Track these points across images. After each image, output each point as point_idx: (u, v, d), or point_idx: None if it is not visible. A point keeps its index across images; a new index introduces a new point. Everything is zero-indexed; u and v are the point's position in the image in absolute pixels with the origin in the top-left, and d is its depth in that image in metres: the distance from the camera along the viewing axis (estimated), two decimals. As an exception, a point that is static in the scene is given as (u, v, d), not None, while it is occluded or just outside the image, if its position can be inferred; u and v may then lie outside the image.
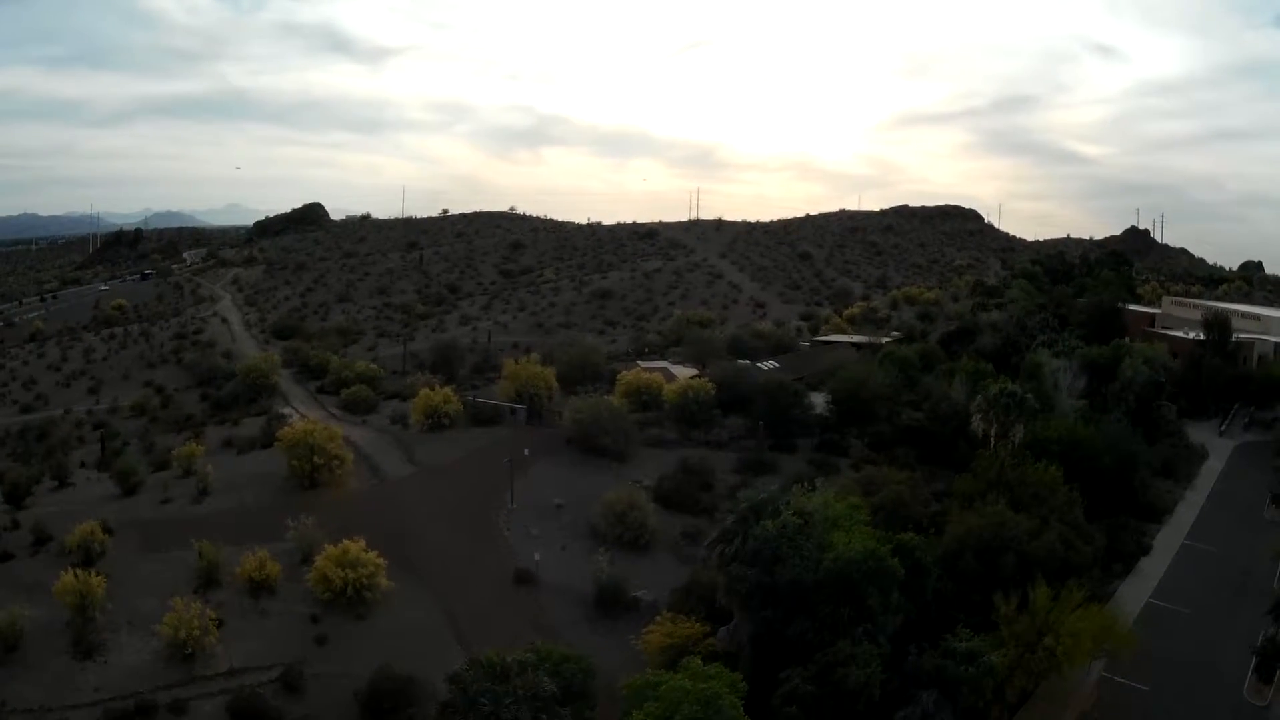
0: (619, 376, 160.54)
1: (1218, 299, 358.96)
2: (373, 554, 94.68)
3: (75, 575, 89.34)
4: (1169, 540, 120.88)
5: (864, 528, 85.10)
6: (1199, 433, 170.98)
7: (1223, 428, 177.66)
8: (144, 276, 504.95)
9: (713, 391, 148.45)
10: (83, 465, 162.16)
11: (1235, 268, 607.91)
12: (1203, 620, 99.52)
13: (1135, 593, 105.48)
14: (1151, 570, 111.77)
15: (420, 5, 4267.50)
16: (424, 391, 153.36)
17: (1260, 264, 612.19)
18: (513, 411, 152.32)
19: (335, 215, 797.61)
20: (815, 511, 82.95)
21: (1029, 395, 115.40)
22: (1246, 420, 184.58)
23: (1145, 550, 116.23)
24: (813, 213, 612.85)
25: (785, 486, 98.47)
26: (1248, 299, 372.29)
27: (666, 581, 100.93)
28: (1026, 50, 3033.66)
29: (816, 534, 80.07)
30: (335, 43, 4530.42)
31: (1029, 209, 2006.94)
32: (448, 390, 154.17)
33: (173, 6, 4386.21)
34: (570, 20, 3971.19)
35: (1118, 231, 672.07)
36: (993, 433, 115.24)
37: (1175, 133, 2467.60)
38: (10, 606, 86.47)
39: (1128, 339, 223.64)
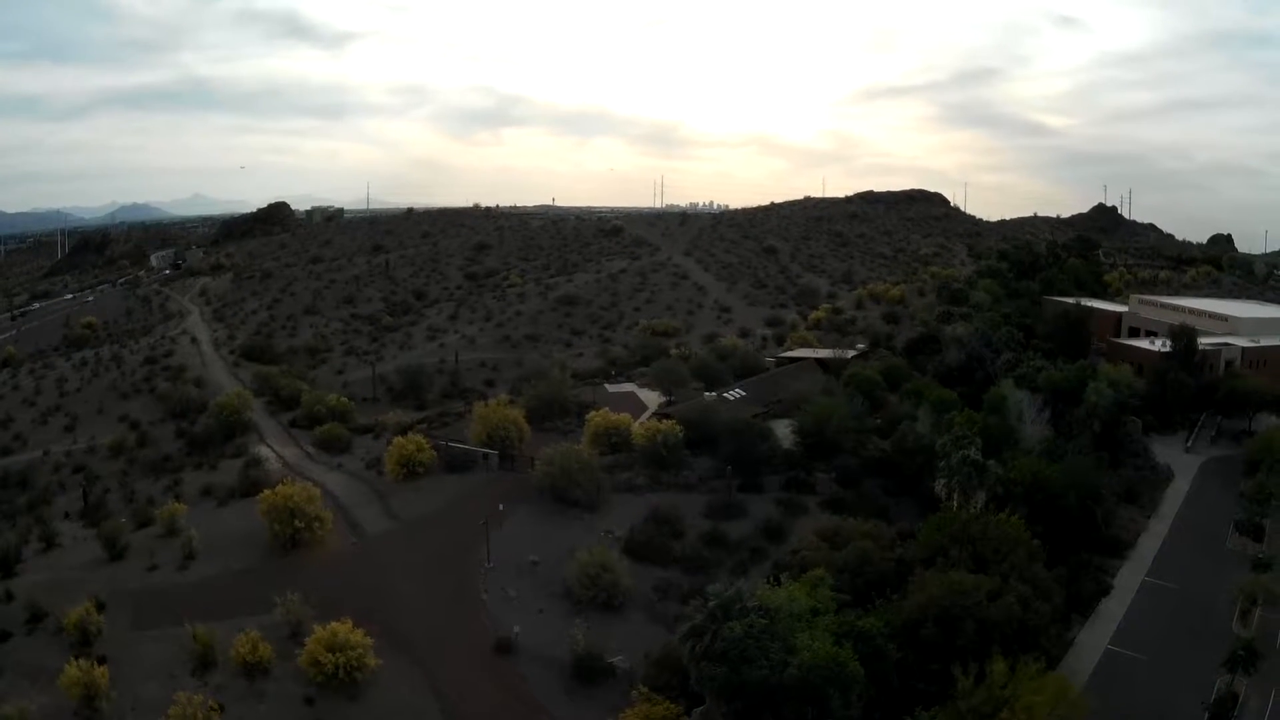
0: (588, 418, 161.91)
1: (1186, 287, 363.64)
2: (359, 633, 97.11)
3: (79, 666, 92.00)
4: (1130, 578, 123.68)
5: (828, 618, 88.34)
6: (1165, 449, 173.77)
7: (1189, 443, 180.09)
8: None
9: (680, 434, 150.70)
10: (66, 516, 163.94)
11: (1204, 241, 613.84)
12: (1160, 667, 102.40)
13: (1094, 639, 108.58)
14: (1112, 612, 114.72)
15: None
16: (398, 440, 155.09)
17: (1229, 237, 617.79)
18: (485, 457, 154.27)
19: (298, 203, 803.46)
20: (780, 608, 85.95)
21: (990, 463, 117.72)
22: (1214, 433, 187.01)
23: (1105, 591, 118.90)
24: (777, 197, 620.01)
25: (750, 583, 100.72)
26: (1216, 286, 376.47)
27: (640, 643, 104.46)
28: (988, 22, 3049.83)
29: (782, 633, 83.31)
30: (295, 28, 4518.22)
31: (992, 181, 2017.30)
32: (420, 438, 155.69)
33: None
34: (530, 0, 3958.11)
35: (1084, 204, 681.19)
36: (955, 498, 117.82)
37: (1139, 103, 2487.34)
38: (19, 701, 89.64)
39: (1093, 341, 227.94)
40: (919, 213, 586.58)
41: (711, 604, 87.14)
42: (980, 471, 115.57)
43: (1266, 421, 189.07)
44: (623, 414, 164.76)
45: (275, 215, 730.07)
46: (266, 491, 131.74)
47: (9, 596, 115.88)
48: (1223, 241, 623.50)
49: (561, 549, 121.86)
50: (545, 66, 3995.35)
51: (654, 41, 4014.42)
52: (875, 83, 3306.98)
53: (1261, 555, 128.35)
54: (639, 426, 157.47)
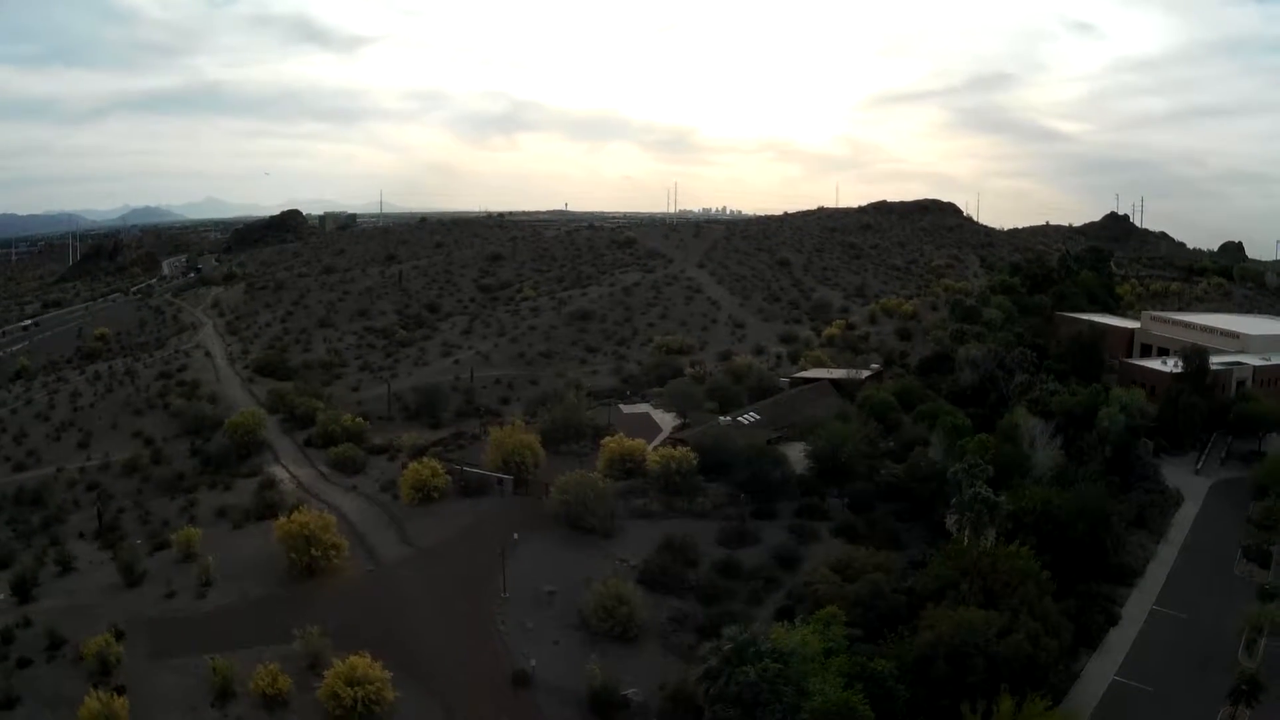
0: (603, 444, 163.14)
1: (1197, 300, 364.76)
2: (378, 666, 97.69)
3: (98, 697, 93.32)
4: (1138, 608, 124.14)
5: (840, 660, 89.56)
6: (1175, 471, 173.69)
7: (1199, 465, 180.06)
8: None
9: (694, 461, 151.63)
10: (81, 536, 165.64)
11: (1216, 249, 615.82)
12: (1165, 699, 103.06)
13: (1102, 670, 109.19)
14: (1119, 643, 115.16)
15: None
16: (413, 465, 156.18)
17: (1240, 245, 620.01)
18: (500, 482, 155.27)
19: (311, 208, 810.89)
20: (793, 652, 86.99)
21: (1002, 499, 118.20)
22: (1224, 454, 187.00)
23: (1114, 621, 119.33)
24: (790, 203, 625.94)
25: (765, 620, 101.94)
26: (1227, 298, 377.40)
27: (655, 675, 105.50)
28: (1004, 28, 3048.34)
29: (794, 677, 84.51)
30: (309, 32, 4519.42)
31: (1006, 187, 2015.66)
32: (435, 463, 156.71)
33: (146, 1, 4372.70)
34: (544, 4, 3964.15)
35: (1096, 210, 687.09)
36: (966, 534, 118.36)
37: (1153, 109, 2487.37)
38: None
39: (1105, 358, 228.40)
40: (932, 223, 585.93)
41: (726, 647, 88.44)
42: (992, 509, 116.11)
43: (1277, 443, 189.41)
44: (637, 439, 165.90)
45: (288, 222, 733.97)
46: (282, 519, 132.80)
47: (27, 622, 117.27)
48: (1234, 250, 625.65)
49: (577, 578, 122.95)
50: (559, 71, 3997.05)
51: (667, 46, 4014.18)
52: (889, 88, 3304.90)
53: (1268, 584, 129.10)
54: (653, 453, 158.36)
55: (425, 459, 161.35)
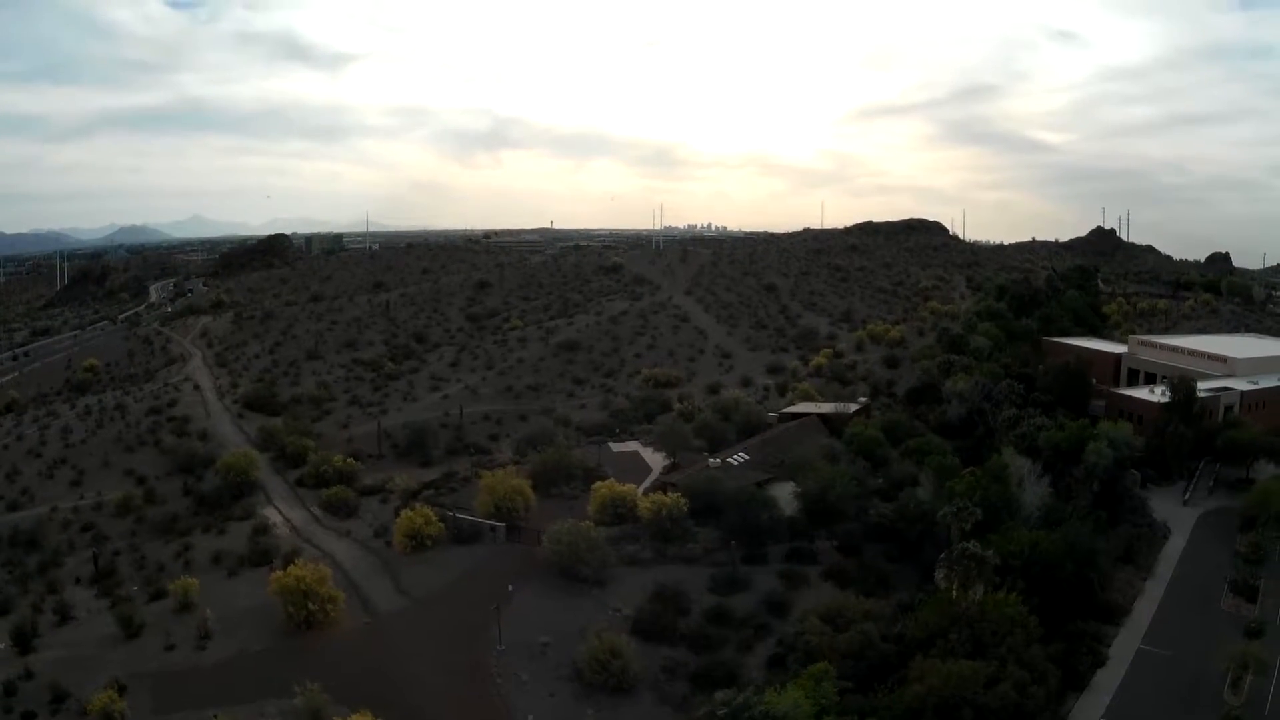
0: (593, 488, 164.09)
1: (1185, 318, 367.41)
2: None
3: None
4: (1125, 647, 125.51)
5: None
6: (1163, 503, 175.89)
7: (1187, 496, 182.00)
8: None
9: (684, 506, 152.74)
10: (78, 581, 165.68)
11: (1202, 260, 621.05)
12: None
13: (1089, 713, 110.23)
14: (1106, 684, 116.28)
15: (377, 9, 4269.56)
16: (405, 514, 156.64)
17: (1228, 255, 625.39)
18: (493, 529, 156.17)
19: (297, 226, 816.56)
20: (786, 715, 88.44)
21: (989, 553, 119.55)
22: (1212, 483, 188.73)
23: (1101, 662, 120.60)
24: (776, 218, 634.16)
25: (756, 676, 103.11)
26: (1215, 316, 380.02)
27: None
28: (986, 39, 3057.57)
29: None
30: (293, 50, 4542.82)
31: (991, 199, 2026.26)
32: (428, 510, 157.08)
33: (130, 17, 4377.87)
34: (527, 21, 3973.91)
35: (1082, 219, 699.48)
36: (954, 588, 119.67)
37: (1138, 118, 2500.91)
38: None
39: (1092, 385, 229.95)
40: (918, 243, 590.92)
41: (721, 712, 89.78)
42: (980, 564, 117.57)
43: (1265, 469, 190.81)
44: (628, 484, 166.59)
45: (275, 247, 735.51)
46: (279, 573, 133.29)
47: (29, 674, 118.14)
48: (1220, 260, 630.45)
49: (571, 628, 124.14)
50: (542, 88, 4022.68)
51: (651, 62, 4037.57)
52: (873, 101, 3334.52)
53: (1253, 623, 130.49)
54: (644, 499, 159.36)
55: (418, 505, 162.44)
